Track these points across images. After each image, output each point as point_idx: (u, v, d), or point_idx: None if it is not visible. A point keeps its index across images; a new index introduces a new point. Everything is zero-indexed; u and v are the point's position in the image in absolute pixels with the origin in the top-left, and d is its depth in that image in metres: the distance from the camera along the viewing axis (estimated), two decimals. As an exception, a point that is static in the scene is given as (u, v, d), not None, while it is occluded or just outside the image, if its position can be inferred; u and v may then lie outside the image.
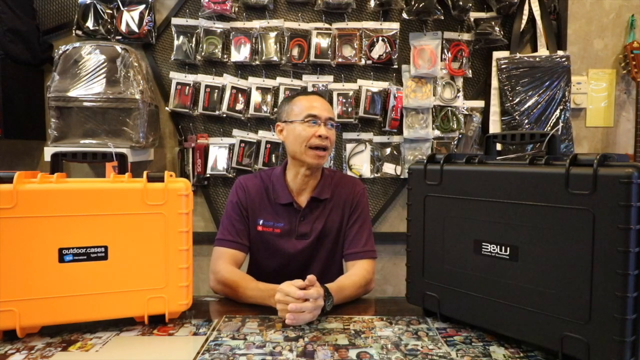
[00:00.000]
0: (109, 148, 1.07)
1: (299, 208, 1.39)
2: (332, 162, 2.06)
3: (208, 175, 2.04)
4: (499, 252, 0.93)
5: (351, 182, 1.47)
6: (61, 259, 0.94)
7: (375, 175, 2.06)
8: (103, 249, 0.96)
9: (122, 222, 0.97)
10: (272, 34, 2.00)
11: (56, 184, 0.94)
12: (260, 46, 2.01)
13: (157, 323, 1.03)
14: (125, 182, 0.99)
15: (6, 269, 0.91)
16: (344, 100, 2.01)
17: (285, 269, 1.38)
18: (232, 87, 2.01)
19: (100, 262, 0.96)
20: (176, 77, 2.02)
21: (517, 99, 1.96)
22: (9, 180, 0.91)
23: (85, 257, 0.95)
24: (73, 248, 0.94)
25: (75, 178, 1.00)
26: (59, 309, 0.95)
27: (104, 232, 0.96)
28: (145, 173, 1.01)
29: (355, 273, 1.32)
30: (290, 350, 0.91)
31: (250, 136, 2.04)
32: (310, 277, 1.07)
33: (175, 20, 2.01)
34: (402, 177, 2.06)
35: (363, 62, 2.02)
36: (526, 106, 1.96)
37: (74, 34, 1.99)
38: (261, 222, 1.39)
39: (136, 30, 1.98)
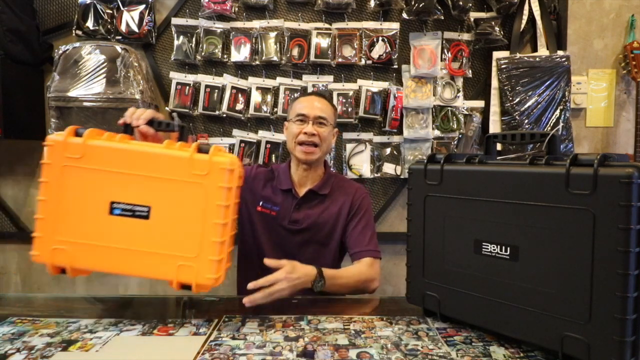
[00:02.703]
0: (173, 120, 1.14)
1: (297, 196, 1.50)
2: (332, 162, 2.06)
3: (208, 175, 2.03)
4: (499, 252, 0.92)
5: (354, 186, 1.58)
6: (111, 212, 0.99)
7: (375, 175, 2.06)
8: (146, 209, 1.00)
9: (166, 186, 1.00)
10: (272, 34, 2.00)
11: (118, 143, 1.02)
12: (260, 46, 2.01)
13: (187, 290, 1.03)
14: (176, 149, 1.02)
15: (65, 212, 0.99)
16: (344, 100, 2.01)
17: (278, 251, 1.49)
18: (232, 87, 2.01)
19: (142, 221, 1.00)
20: (176, 77, 2.02)
21: (517, 99, 1.96)
22: (81, 134, 1.00)
23: (130, 213, 1.00)
24: (122, 203, 1.00)
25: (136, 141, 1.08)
26: (103, 258, 1.00)
27: (149, 193, 1.00)
28: (196, 143, 1.02)
29: (354, 266, 1.42)
30: (290, 350, 0.91)
31: (250, 136, 2.04)
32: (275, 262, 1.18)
33: (175, 20, 2.01)
34: (402, 177, 2.06)
35: (363, 62, 2.02)
36: (526, 106, 1.96)
37: (74, 34, 1.99)
38: (261, 203, 1.52)
39: (136, 30, 1.98)
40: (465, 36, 2.03)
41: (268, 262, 1.18)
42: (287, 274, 1.15)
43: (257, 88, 2.02)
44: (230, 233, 1.04)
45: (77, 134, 1.01)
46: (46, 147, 1.00)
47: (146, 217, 0.99)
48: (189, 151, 1.00)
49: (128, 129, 1.11)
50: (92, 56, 1.78)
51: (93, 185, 0.99)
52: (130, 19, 1.97)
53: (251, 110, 2.01)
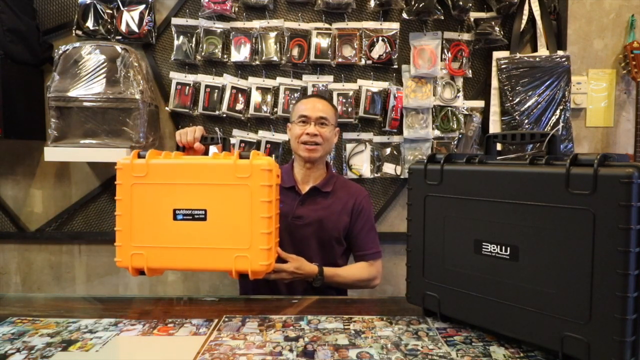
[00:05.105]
0: (215, 134, 1.34)
1: (300, 193, 1.57)
2: (332, 162, 2.06)
3: (208, 175, 2.04)
4: (499, 252, 0.92)
5: (356, 187, 1.66)
6: (175, 217, 1.14)
7: (375, 175, 2.06)
8: (203, 212, 1.14)
9: (218, 190, 1.14)
10: (272, 34, 2.00)
11: (174, 159, 1.18)
12: (260, 46, 2.01)
13: (245, 277, 1.16)
14: (221, 158, 1.17)
15: (138, 222, 1.15)
16: (344, 100, 2.01)
17: (282, 247, 1.50)
18: (232, 87, 2.01)
19: (201, 222, 1.14)
20: (176, 77, 2.02)
21: (517, 99, 1.96)
22: (143, 156, 1.16)
23: (190, 217, 1.14)
24: (183, 209, 1.14)
25: (189, 156, 1.25)
26: (173, 257, 1.15)
27: (204, 198, 1.14)
28: (237, 152, 1.16)
29: (356, 266, 1.58)
30: (290, 350, 0.91)
31: (250, 136, 2.04)
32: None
33: (175, 20, 2.01)
34: (402, 177, 2.06)
35: (363, 62, 2.02)
36: (526, 106, 1.96)
37: (74, 34, 1.99)
38: None
39: (136, 30, 1.98)
40: (465, 36, 2.03)
41: (279, 252, 1.30)
42: (295, 269, 1.36)
43: (257, 88, 2.02)
44: (275, 225, 1.19)
45: (140, 157, 1.16)
46: (117, 170, 1.15)
47: (204, 219, 1.14)
48: (232, 159, 1.14)
49: (180, 147, 1.32)
50: (92, 56, 1.78)
51: (158, 197, 1.15)
52: (130, 19, 1.97)
53: (251, 110, 2.01)
